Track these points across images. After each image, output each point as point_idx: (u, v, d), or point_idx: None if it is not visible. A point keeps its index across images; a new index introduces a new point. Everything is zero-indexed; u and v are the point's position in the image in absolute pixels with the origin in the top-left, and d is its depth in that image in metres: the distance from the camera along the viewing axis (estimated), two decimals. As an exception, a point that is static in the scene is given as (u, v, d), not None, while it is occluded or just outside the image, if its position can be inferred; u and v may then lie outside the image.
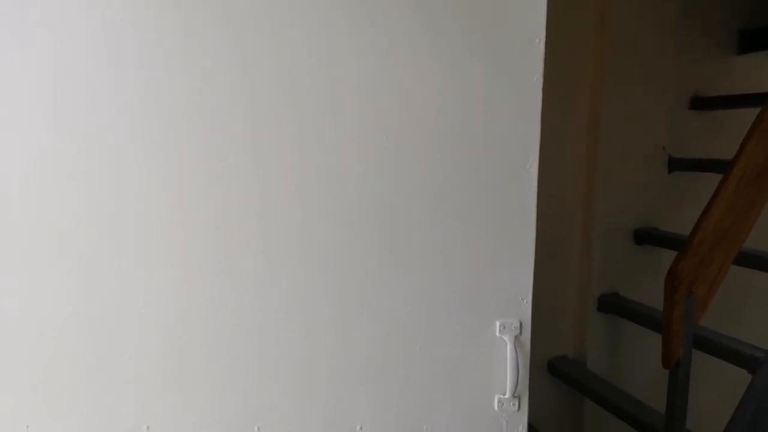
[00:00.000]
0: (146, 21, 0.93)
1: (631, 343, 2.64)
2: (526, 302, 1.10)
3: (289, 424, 1.04)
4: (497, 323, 1.09)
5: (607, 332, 2.64)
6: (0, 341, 0.93)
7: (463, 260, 1.07)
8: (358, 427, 1.07)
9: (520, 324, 1.10)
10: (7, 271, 0.92)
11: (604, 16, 2.44)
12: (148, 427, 1.00)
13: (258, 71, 0.97)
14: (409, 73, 1.03)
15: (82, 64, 0.91)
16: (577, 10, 2.40)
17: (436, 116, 1.04)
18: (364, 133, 1.02)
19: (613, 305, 2.59)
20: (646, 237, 2.60)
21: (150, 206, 0.96)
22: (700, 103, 2.67)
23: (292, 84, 0.99)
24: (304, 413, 1.05)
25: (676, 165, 2.63)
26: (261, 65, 0.97)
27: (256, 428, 1.03)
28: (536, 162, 1.07)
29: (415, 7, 1.01)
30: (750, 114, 1.82)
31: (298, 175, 1.01)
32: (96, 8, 0.91)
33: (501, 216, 1.08)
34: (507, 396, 1.09)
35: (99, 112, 0.93)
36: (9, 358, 0.94)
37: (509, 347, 1.08)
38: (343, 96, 1.01)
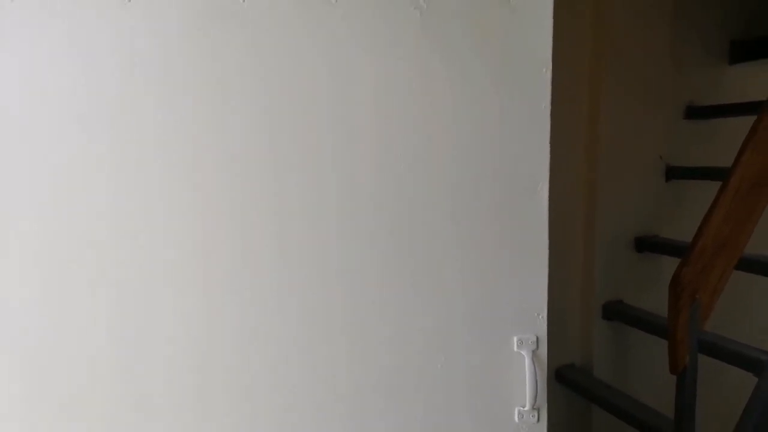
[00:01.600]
0: (171, 38, 0.98)
1: (637, 349, 2.67)
2: (542, 317, 1.15)
3: (317, 442, 1.08)
4: (515, 339, 1.14)
5: (612, 339, 2.67)
6: (34, 364, 0.97)
7: (481, 280, 1.12)
8: (383, 443, 1.11)
9: (537, 339, 1.14)
10: (39, 295, 0.96)
11: (599, 29, 2.50)
12: (179, 449, 1.04)
13: (278, 98, 1.02)
14: (427, 103, 1.08)
15: (110, 82, 0.96)
16: (573, 25, 2.46)
17: (453, 143, 1.09)
18: (382, 159, 1.07)
19: (617, 313, 2.62)
20: (647, 245, 2.64)
21: (176, 228, 1.00)
22: (695, 113, 2.73)
23: (312, 113, 1.04)
24: (329, 430, 1.08)
25: (673, 173, 2.68)
26: (282, 95, 1.02)
27: (283, 447, 1.07)
28: (546, 185, 1.12)
29: (433, 39, 1.07)
30: (743, 122, 1.88)
31: (317, 199, 1.05)
32: (125, 36, 0.96)
33: (515, 237, 1.13)
34: (527, 408, 1.13)
35: (127, 132, 0.98)
36: (41, 380, 0.97)
37: (527, 361, 1.12)
38: (362, 124, 1.06)
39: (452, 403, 1.13)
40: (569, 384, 2.63)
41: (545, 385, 1.14)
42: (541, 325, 1.14)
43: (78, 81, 0.95)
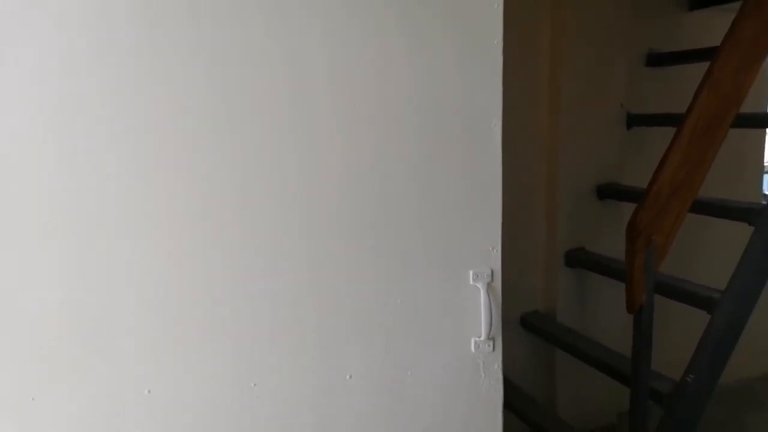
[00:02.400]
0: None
1: (598, 293, 2.75)
2: (496, 251, 1.17)
3: (284, 379, 1.10)
4: (470, 273, 1.16)
5: (574, 285, 2.75)
6: (1, 317, 0.97)
7: (437, 218, 1.14)
8: (348, 377, 1.14)
9: (492, 272, 1.17)
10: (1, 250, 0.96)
11: (560, -22, 2.50)
12: (149, 391, 1.04)
13: (227, 67, 1.01)
14: (377, 47, 1.07)
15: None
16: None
17: (405, 83, 1.09)
18: (337, 105, 1.07)
19: (579, 259, 2.69)
20: (609, 192, 2.69)
21: (137, 182, 1.00)
22: (656, 60, 2.76)
23: (264, 67, 1.02)
24: (297, 367, 1.11)
25: (634, 121, 2.72)
26: (231, 63, 1.01)
27: (252, 384, 1.09)
28: (500, 121, 1.13)
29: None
30: (703, 68, 1.90)
31: (281, 147, 1.05)
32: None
33: (470, 174, 1.14)
34: (482, 338, 1.17)
35: (84, 93, 0.95)
36: (12, 333, 0.97)
37: (482, 294, 1.15)
38: (315, 69, 1.05)
39: (411, 336, 1.16)
40: (534, 330, 2.71)
41: (500, 316, 1.17)
42: (495, 259, 1.17)
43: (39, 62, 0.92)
